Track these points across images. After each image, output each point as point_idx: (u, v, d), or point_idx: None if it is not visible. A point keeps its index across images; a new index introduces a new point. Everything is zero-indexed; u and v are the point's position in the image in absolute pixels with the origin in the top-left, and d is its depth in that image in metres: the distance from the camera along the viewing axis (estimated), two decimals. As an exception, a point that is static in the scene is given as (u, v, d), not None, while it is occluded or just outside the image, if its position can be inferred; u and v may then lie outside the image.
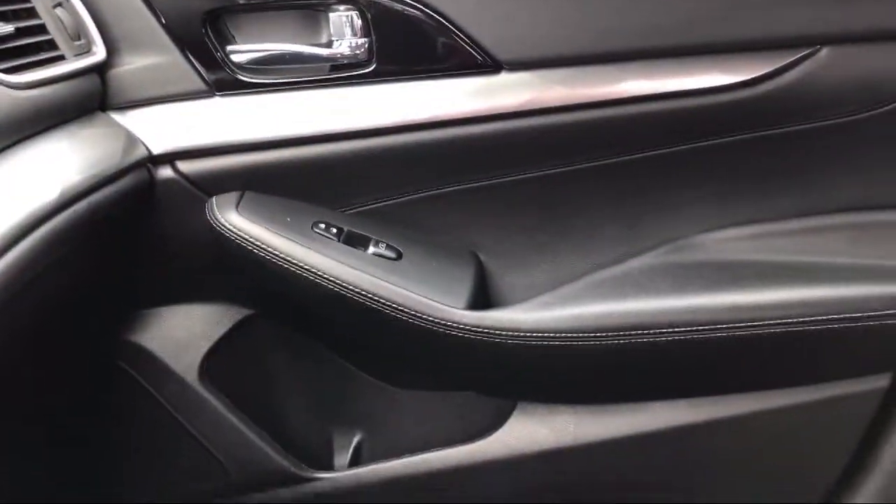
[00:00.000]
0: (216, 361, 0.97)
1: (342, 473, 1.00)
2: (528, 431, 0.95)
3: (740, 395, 0.90)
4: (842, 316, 0.84)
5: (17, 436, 1.00)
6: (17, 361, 0.85)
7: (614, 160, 0.89)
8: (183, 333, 0.96)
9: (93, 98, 0.84)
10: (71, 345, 0.93)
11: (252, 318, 0.99)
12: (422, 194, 0.92)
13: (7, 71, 0.72)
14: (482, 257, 0.94)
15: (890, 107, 0.85)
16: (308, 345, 1.02)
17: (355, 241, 0.88)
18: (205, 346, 0.96)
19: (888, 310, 0.84)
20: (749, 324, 0.83)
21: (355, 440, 1.04)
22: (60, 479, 1.02)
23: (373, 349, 0.98)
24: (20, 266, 0.66)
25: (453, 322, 0.85)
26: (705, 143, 0.88)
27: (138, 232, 0.88)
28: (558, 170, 0.90)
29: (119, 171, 0.79)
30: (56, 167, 0.74)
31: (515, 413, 0.96)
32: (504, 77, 0.86)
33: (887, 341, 0.86)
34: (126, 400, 0.96)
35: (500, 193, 0.91)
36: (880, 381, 0.89)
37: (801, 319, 0.83)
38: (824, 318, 0.84)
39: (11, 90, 0.71)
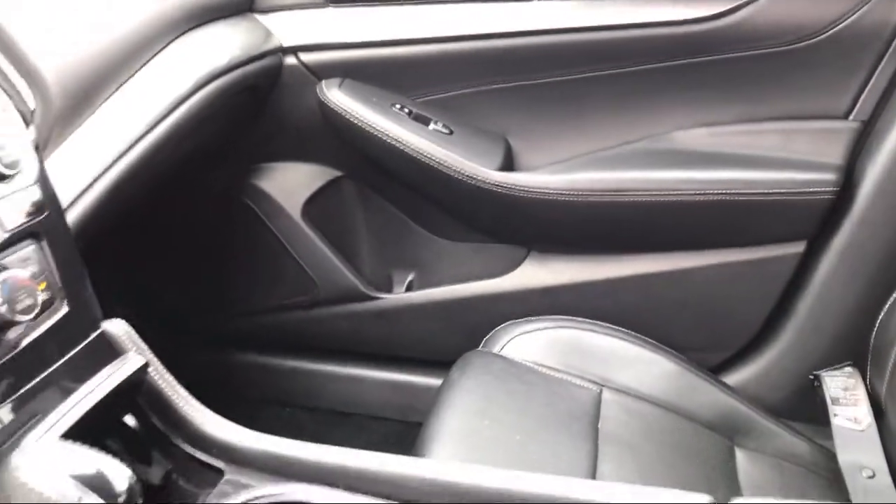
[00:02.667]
0: (314, 206, 1.33)
1: (398, 295, 1.36)
2: (535, 273, 1.30)
3: (689, 251, 1.23)
4: (769, 191, 1.15)
5: (168, 251, 1.38)
6: (183, 185, 1.21)
7: (613, 72, 1.21)
8: (292, 183, 1.32)
9: (244, 3, 1.20)
10: (215, 181, 1.30)
11: (341, 179, 1.35)
12: (470, 90, 1.26)
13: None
14: (510, 139, 1.28)
15: (817, 39, 1.15)
16: (380, 203, 1.37)
17: (420, 120, 1.22)
18: (306, 194, 1.32)
19: (805, 188, 1.15)
20: (698, 192, 1.15)
21: (409, 276, 1.40)
22: (195, 288, 1.40)
23: (427, 202, 1.32)
24: (196, 110, 1.01)
25: (486, 179, 1.19)
26: (679, 63, 1.19)
27: (267, 102, 1.24)
28: (571, 77, 1.22)
29: (261, 54, 1.15)
30: (222, 44, 1.10)
31: (527, 260, 1.31)
32: (535, 4, 1.19)
33: (803, 215, 1.17)
34: (249, 229, 1.33)
35: (526, 92, 1.24)
36: (798, 248, 1.21)
37: (736, 191, 1.15)
38: (754, 192, 1.15)
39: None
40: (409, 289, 1.38)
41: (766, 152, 1.20)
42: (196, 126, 1.03)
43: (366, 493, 0.62)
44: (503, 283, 1.31)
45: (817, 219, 1.18)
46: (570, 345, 1.14)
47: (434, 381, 1.31)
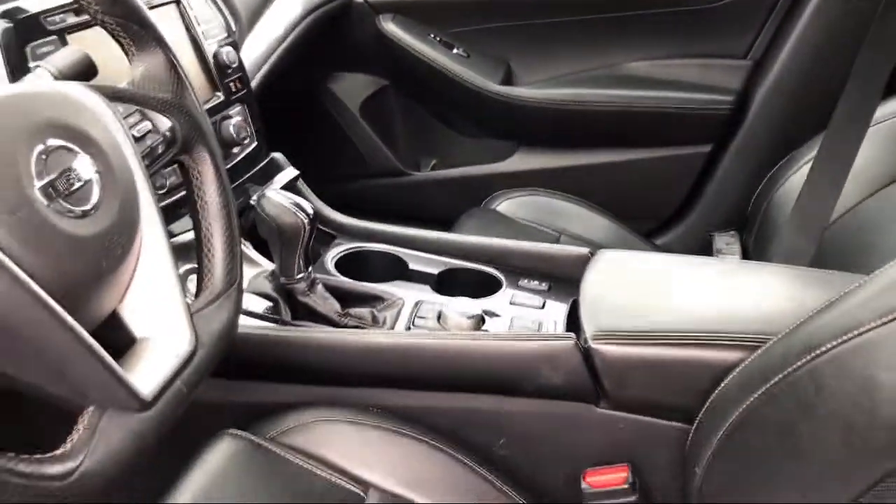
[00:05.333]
0: (367, 106, 1.86)
1: (424, 173, 1.90)
2: (522, 160, 1.83)
3: (630, 148, 1.76)
4: (685, 106, 1.68)
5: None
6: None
7: (584, 18, 1.73)
8: (353, 88, 1.85)
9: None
10: (305, 82, 1.82)
11: (387, 87, 1.87)
12: (484, 26, 1.78)
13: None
14: (510, 63, 1.80)
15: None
16: (414, 106, 1.90)
17: (447, 46, 1.75)
18: (364, 95, 1.85)
19: (711, 105, 1.68)
20: (637, 105, 1.69)
21: (433, 160, 1.94)
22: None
23: (448, 106, 1.85)
24: (304, 28, 1.53)
25: (490, 90, 1.72)
26: (629, 14, 1.71)
27: (340, 30, 1.76)
28: (555, 20, 1.74)
29: (336, -6, 1.66)
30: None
31: (517, 151, 1.84)
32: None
33: (710, 124, 1.70)
34: (325, 121, 1.86)
35: (524, 30, 1.76)
36: (706, 148, 1.74)
37: (663, 105, 1.68)
38: (676, 106, 1.68)
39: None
40: (432, 169, 1.92)
41: (685, 79, 1.72)
42: (303, 38, 1.54)
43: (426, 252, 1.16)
44: (499, 167, 1.85)
45: (719, 127, 1.71)
46: (541, 206, 1.67)
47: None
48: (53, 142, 0.60)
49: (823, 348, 0.72)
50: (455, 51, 1.75)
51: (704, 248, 1.74)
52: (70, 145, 0.61)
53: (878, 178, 1.37)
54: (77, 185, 0.60)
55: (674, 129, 1.72)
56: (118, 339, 0.65)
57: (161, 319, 0.68)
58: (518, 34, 1.77)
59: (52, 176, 0.58)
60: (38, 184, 0.57)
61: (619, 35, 1.74)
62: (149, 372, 0.63)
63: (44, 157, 0.58)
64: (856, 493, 0.64)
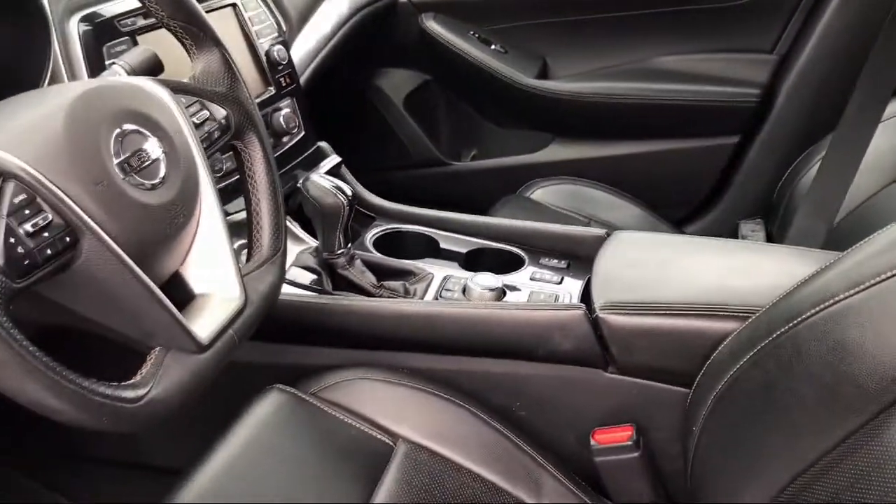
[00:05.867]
0: (411, 98, 1.97)
1: (465, 163, 2.01)
2: (556, 150, 1.92)
3: (660, 139, 1.84)
4: (714, 99, 1.76)
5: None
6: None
7: (616, 14, 1.81)
8: (397, 82, 1.96)
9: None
10: (351, 77, 1.94)
11: (430, 81, 1.98)
12: (521, 23, 1.87)
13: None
14: (546, 58, 1.89)
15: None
16: (455, 99, 2.00)
17: (485, 42, 1.85)
18: (408, 89, 1.96)
19: (739, 98, 1.75)
20: (667, 98, 1.77)
21: (473, 151, 2.04)
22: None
23: (487, 99, 1.95)
24: (352, 26, 1.64)
25: (527, 84, 1.82)
26: (660, 11, 1.78)
27: (385, 28, 1.87)
28: (589, 17, 1.83)
29: (382, -5, 1.77)
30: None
31: (552, 143, 1.93)
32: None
33: (737, 116, 1.77)
34: (371, 114, 1.97)
35: (559, 27, 1.85)
36: (734, 139, 1.81)
37: (693, 98, 1.76)
38: (705, 99, 1.76)
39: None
40: (472, 159, 2.03)
41: (713, 73, 1.79)
42: (350, 36, 1.65)
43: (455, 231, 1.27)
44: (535, 157, 1.94)
45: (746, 119, 1.78)
46: (572, 194, 1.77)
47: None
48: (128, 126, 0.72)
49: (803, 316, 0.80)
50: (493, 47, 1.85)
51: (731, 236, 1.81)
52: (142, 129, 0.73)
53: (893, 170, 1.43)
54: (147, 162, 0.72)
55: (702, 121, 1.80)
56: (180, 294, 0.77)
57: (216, 279, 0.79)
58: (553, 31, 1.86)
59: (127, 154, 0.71)
60: (115, 161, 0.69)
61: (649, 31, 1.82)
62: (205, 321, 0.75)
63: (120, 139, 0.71)
64: (831, 444, 0.73)
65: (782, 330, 0.82)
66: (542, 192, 1.77)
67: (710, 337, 0.95)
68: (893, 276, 0.74)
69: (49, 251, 0.62)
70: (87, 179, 0.66)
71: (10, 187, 0.62)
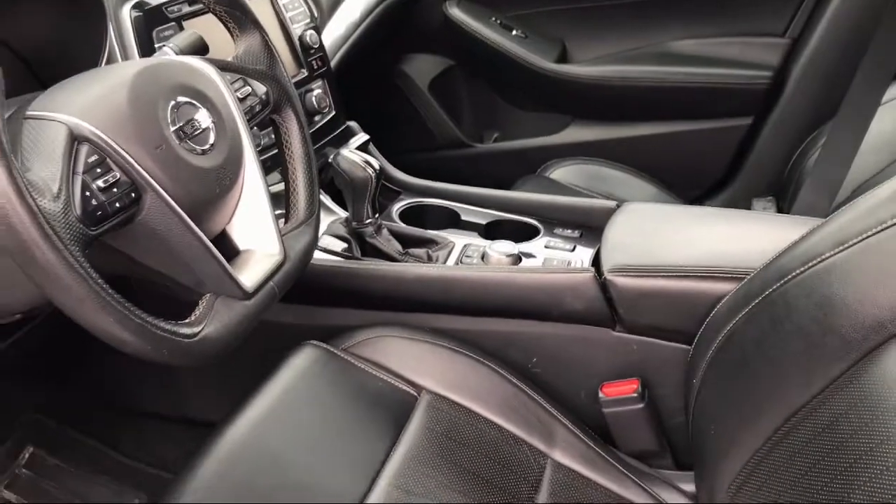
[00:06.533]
0: (436, 82, 2.05)
1: (487, 145, 2.09)
2: (575, 132, 2.00)
3: (676, 120, 1.91)
4: (728, 81, 1.82)
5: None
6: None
7: (632, 0, 1.88)
8: (422, 67, 2.04)
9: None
10: (380, 63, 2.02)
11: (453, 66, 2.06)
12: (541, 9, 1.95)
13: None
14: (565, 43, 1.97)
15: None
16: (478, 83, 2.08)
17: (506, 28, 1.93)
18: (432, 74, 2.04)
19: (751, 80, 1.81)
20: (682, 80, 1.83)
21: (495, 133, 2.12)
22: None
23: (508, 83, 2.03)
24: (380, 13, 1.73)
25: (546, 68, 1.89)
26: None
27: (411, 15, 1.95)
28: (606, 3, 1.90)
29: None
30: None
31: (571, 125, 2.01)
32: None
33: (750, 97, 1.84)
34: (397, 98, 2.06)
35: (578, 13, 1.93)
36: (747, 120, 1.87)
37: (707, 80, 1.83)
38: (719, 81, 1.82)
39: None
40: (494, 141, 2.11)
41: (727, 56, 1.86)
42: (378, 23, 1.74)
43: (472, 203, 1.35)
44: (555, 138, 2.02)
45: (759, 101, 1.84)
46: (590, 173, 1.85)
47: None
48: (182, 99, 0.81)
49: (792, 274, 0.88)
50: (514, 32, 1.93)
51: (745, 214, 1.87)
52: (193, 101, 0.82)
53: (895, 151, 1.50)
54: (198, 130, 0.81)
55: (716, 102, 1.86)
56: (227, 249, 0.86)
57: (258, 237, 0.89)
58: (572, 16, 1.94)
59: (181, 123, 0.80)
60: (171, 128, 0.79)
61: (665, 16, 1.89)
62: (250, 273, 0.85)
63: (175, 109, 0.80)
64: (816, 390, 0.80)
65: (774, 288, 0.90)
66: (560, 172, 1.85)
67: (709, 297, 1.03)
68: (872, 235, 0.81)
69: (118, 204, 0.72)
70: (148, 144, 0.76)
71: (84, 149, 0.71)
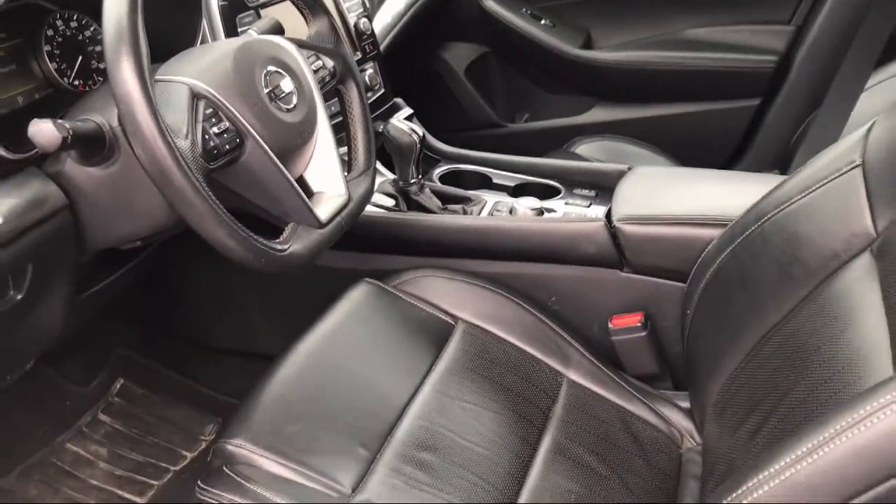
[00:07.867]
0: (472, 67, 2.25)
1: (519, 125, 2.29)
2: (599, 113, 2.19)
3: (691, 101, 2.09)
4: (738, 65, 2.01)
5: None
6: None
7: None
8: (461, 52, 2.24)
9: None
10: (419, 51, 2.23)
11: (488, 53, 2.27)
12: (565, 1, 2.14)
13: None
14: (590, 31, 2.16)
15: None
16: (510, 69, 2.28)
17: (536, 17, 2.13)
18: (469, 60, 2.24)
19: (758, 64, 1.99)
20: (696, 65, 2.02)
21: (526, 114, 2.32)
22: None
23: (538, 69, 2.23)
24: (417, 12, 1.93)
25: (573, 54, 2.09)
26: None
27: (449, 6, 2.16)
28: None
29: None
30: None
31: (596, 106, 2.20)
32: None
33: (757, 81, 2.02)
34: (436, 82, 2.26)
35: (600, 4, 2.12)
36: (755, 101, 2.05)
37: (719, 64, 2.01)
38: (730, 65, 2.01)
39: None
40: (525, 122, 2.31)
41: (737, 42, 2.04)
42: (420, 13, 1.95)
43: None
44: (579, 119, 2.21)
45: (766, 83, 2.02)
46: (611, 149, 2.04)
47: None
48: (271, 68, 1.03)
49: (768, 216, 1.07)
50: (543, 22, 2.13)
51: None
52: (280, 70, 1.04)
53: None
54: (284, 94, 1.03)
55: (727, 85, 2.05)
56: (305, 190, 1.08)
57: (329, 181, 1.10)
58: (596, 7, 2.15)
59: (271, 88, 1.02)
60: (265, 91, 1.00)
61: (680, 5, 2.08)
62: (323, 209, 1.06)
63: (267, 76, 1.02)
64: (786, 310, 0.99)
65: (753, 228, 1.09)
66: (584, 148, 2.04)
67: (702, 241, 1.21)
68: (831, 181, 1.00)
69: (227, 146, 0.94)
70: (249, 101, 0.97)
71: (202, 104, 0.93)
